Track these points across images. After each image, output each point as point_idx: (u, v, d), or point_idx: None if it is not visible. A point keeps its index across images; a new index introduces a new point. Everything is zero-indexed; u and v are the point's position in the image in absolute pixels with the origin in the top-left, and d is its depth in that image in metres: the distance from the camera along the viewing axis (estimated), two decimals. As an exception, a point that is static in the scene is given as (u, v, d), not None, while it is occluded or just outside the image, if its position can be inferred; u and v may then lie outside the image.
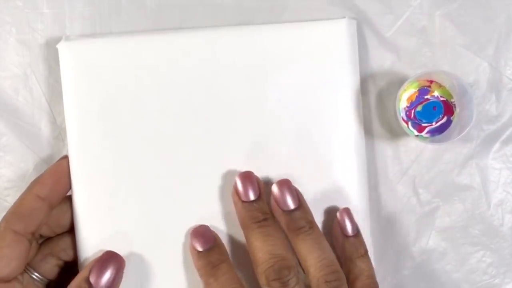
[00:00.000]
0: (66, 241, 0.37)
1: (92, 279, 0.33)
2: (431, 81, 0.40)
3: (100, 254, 0.35)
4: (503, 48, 0.41)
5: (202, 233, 0.35)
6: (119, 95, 0.37)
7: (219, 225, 0.37)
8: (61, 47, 0.37)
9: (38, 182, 0.35)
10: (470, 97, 0.38)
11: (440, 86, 0.40)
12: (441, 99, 0.40)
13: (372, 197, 0.41)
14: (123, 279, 0.35)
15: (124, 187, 0.37)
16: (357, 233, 0.36)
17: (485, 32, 0.41)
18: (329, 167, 0.37)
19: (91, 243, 0.36)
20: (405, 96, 0.40)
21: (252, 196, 0.35)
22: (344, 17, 0.39)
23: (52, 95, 0.40)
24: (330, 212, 0.38)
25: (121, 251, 0.35)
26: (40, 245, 0.37)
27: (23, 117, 0.40)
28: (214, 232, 0.36)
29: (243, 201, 0.35)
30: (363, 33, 0.40)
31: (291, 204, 0.35)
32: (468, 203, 0.41)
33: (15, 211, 0.34)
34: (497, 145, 0.41)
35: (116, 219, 0.37)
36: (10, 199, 0.41)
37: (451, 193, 0.41)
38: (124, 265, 0.35)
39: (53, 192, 0.35)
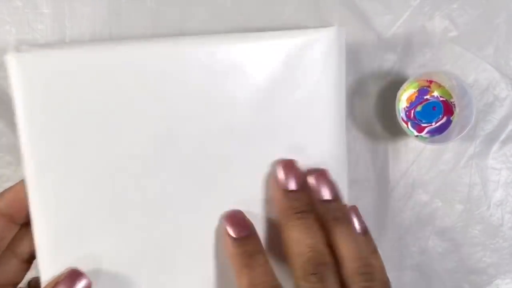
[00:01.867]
0: None
1: None
2: (431, 81, 0.40)
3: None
4: (503, 48, 0.41)
5: (239, 220, 0.33)
6: (76, 112, 0.33)
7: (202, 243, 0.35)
8: (10, 59, 0.31)
9: None
10: (469, 97, 0.38)
11: (439, 86, 0.40)
12: (441, 99, 0.40)
13: (372, 197, 0.41)
14: None
15: (87, 214, 0.34)
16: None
17: (485, 32, 0.41)
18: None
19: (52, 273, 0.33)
20: (405, 96, 0.40)
21: (294, 186, 0.33)
22: (333, 25, 0.37)
23: (52, 95, 0.40)
24: None
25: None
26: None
27: (23, 117, 0.40)
28: (249, 220, 0.33)
29: (284, 190, 0.33)
30: (363, 33, 0.41)
31: (328, 194, 0.33)
32: (468, 203, 0.41)
33: None
34: (496, 145, 0.41)
35: (82, 248, 0.34)
36: (10, 199, 0.41)
37: (451, 193, 0.41)
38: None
39: (11, 208, 0.34)
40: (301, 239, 0.31)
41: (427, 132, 0.40)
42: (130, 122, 0.34)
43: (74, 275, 0.33)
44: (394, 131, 0.41)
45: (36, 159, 0.33)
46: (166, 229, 0.34)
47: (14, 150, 0.40)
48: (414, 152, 0.41)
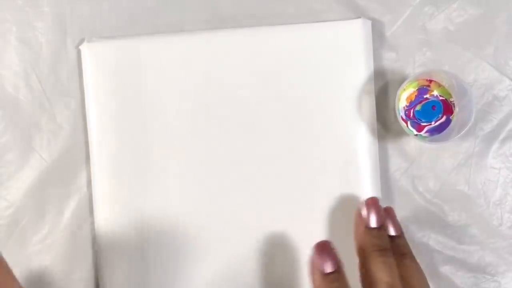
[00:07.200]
0: None
1: None
2: (431, 81, 0.40)
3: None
4: (503, 48, 0.41)
5: (328, 253, 0.33)
6: (137, 94, 0.39)
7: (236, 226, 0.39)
8: (83, 48, 0.39)
9: None
10: (469, 97, 0.38)
11: (439, 85, 0.40)
12: (440, 98, 0.40)
13: (372, 196, 0.41)
14: None
15: (142, 184, 0.39)
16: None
17: (484, 32, 0.41)
18: (344, 166, 0.39)
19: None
20: (405, 95, 0.40)
21: (375, 223, 0.35)
22: (359, 17, 0.39)
23: (53, 93, 0.40)
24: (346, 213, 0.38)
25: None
26: None
27: (24, 115, 0.40)
28: (338, 254, 0.34)
29: (366, 227, 0.35)
30: (363, 33, 0.41)
31: (395, 231, 0.36)
32: (468, 202, 0.41)
33: None
34: (496, 145, 0.41)
35: (136, 221, 0.39)
36: (10, 198, 0.41)
37: (450, 193, 0.41)
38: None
39: None
40: (382, 277, 0.32)
41: (427, 131, 0.40)
42: (177, 104, 0.39)
43: None
44: (394, 130, 0.41)
45: (100, 132, 0.39)
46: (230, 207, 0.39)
47: (14, 150, 0.40)
48: (414, 152, 0.41)
